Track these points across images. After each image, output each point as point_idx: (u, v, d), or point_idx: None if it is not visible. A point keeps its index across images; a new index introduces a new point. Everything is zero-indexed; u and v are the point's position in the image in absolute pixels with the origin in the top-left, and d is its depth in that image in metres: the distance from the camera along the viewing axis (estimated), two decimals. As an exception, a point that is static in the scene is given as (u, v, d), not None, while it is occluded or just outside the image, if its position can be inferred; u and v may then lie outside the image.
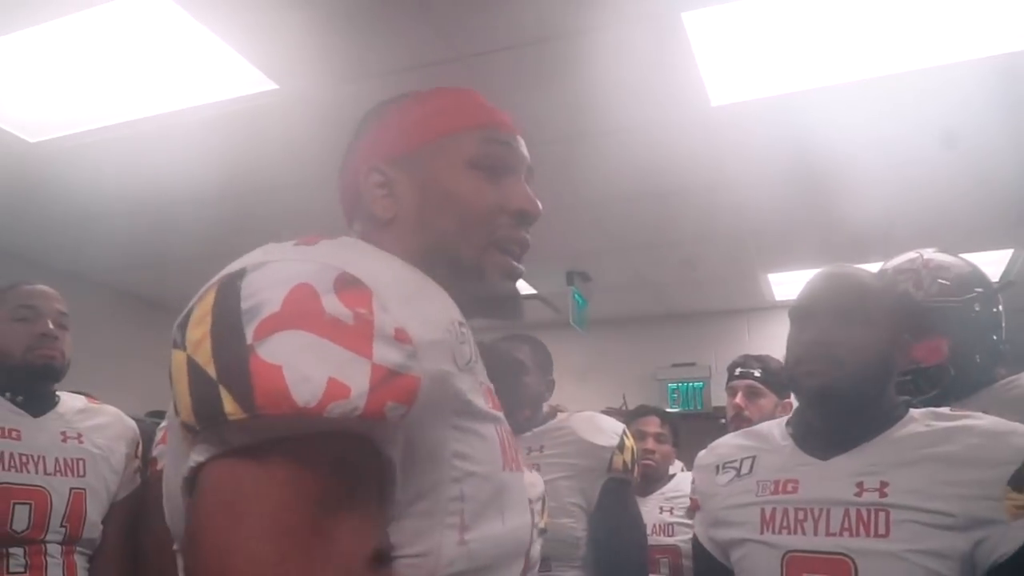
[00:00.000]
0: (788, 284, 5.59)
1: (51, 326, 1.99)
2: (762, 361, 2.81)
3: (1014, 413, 1.64)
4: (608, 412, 3.76)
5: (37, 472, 1.91)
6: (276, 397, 0.63)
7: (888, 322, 1.37)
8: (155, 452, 1.95)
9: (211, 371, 0.65)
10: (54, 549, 1.90)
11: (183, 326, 0.71)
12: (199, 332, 0.68)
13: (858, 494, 1.27)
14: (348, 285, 0.70)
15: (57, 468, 1.94)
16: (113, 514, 2.05)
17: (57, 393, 2.07)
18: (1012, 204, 4.17)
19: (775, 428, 1.50)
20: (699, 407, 6.31)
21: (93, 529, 1.99)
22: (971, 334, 1.77)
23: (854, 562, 1.23)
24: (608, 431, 2.24)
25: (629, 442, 2.24)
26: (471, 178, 0.93)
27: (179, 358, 0.69)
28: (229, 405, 0.64)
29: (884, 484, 1.26)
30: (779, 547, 1.32)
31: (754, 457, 1.46)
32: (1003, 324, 1.82)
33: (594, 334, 5.77)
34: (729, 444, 1.55)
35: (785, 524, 1.33)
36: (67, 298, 2.10)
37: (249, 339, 0.65)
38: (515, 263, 0.94)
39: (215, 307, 0.69)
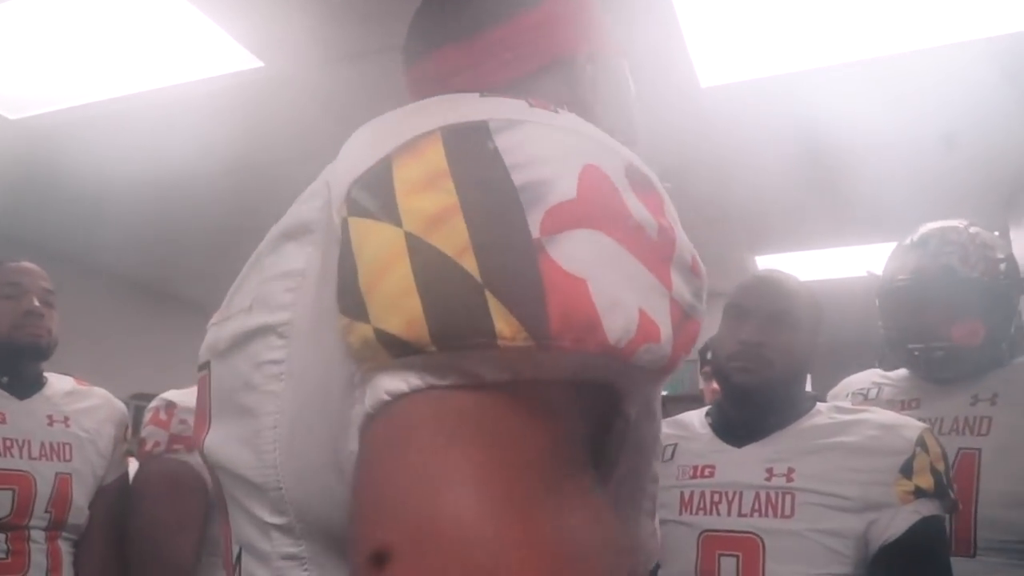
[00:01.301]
0: (776, 266, 5.60)
1: (36, 303, 1.95)
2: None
3: None
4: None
5: (22, 457, 1.88)
6: (582, 325, 0.43)
7: (811, 327, 1.50)
8: (144, 433, 1.94)
9: (470, 266, 0.42)
10: (38, 535, 1.87)
11: (380, 185, 0.46)
12: (435, 202, 0.44)
13: (768, 479, 1.39)
14: (642, 182, 0.50)
15: (43, 452, 1.91)
16: (100, 499, 2.02)
17: (44, 374, 2.04)
18: (1000, 186, 4.18)
19: (695, 418, 1.62)
20: (686, 388, 6.32)
21: (79, 514, 1.96)
22: (1003, 316, 1.74)
23: (762, 540, 1.35)
24: None
25: None
26: (632, 107, 0.86)
27: (384, 235, 0.44)
28: (504, 324, 0.42)
29: (791, 470, 1.38)
30: (695, 527, 1.43)
31: (676, 444, 1.57)
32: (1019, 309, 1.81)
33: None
34: None
35: (702, 506, 1.44)
36: (52, 278, 2.07)
37: (535, 231, 0.43)
38: None
39: (458, 169, 0.45)
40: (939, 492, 1.33)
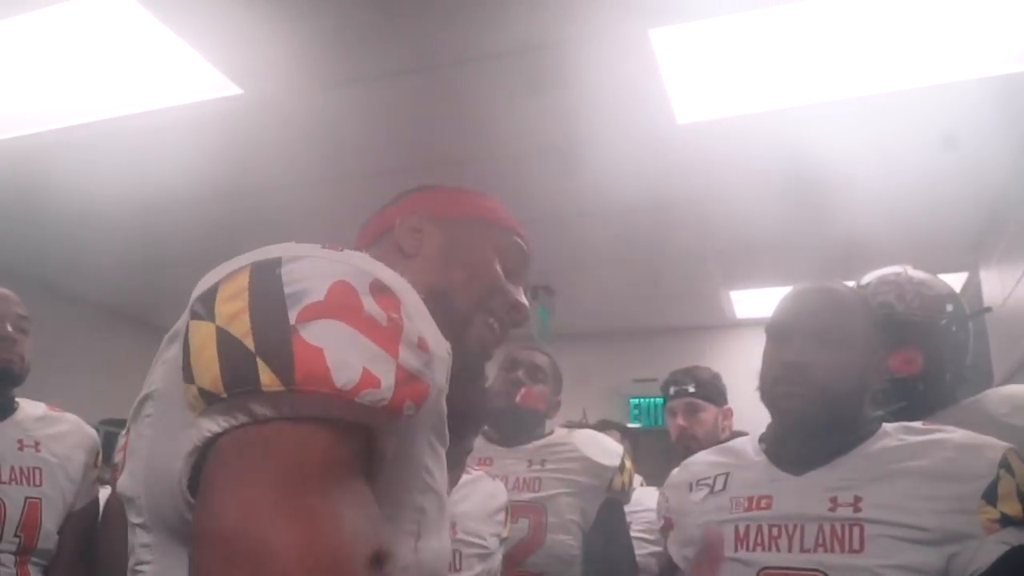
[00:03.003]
0: (749, 302, 5.65)
1: (10, 329, 1.94)
2: (693, 375, 2.82)
3: (980, 431, 1.68)
4: (568, 426, 3.78)
5: None
6: (316, 375, 0.66)
7: (865, 340, 1.38)
8: (116, 459, 1.92)
9: (248, 343, 0.68)
10: (7, 559, 1.85)
11: (208, 299, 0.73)
12: (234, 307, 0.71)
13: (832, 509, 1.27)
14: (381, 290, 0.75)
15: (12, 477, 1.90)
16: (70, 523, 2.00)
17: (16, 400, 2.03)
18: (969, 227, 4.26)
19: (748, 444, 1.50)
20: (660, 423, 6.33)
21: (48, 539, 1.94)
22: (945, 352, 1.79)
23: None
24: (611, 451, 2.26)
25: (628, 464, 2.27)
26: (490, 259, 1.08)
27: (205, 329, 0.71)
28: (266, 376, 0.66)
29: (858, 499, 1.26)
30: (753, 564, 1.31)
31: (728, 474, 1.45)
32: (970, 349, 1.85)
33: (557, 348, 5.76)
34: (702, 461, 1.55)
35: (759, 541, 1.32)
36: (25, 301, 2.06)
37: (292, 320, 0.69)
38: (495, 337, 1.07)
39: (253, 287, 0.72)
40: None
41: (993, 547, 1.17)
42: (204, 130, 3.35)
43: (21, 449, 1.94)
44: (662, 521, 1.59)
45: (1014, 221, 3.73)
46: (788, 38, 2.68)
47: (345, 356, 0.68)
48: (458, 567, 1.61)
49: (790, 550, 1.28)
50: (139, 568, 0.79)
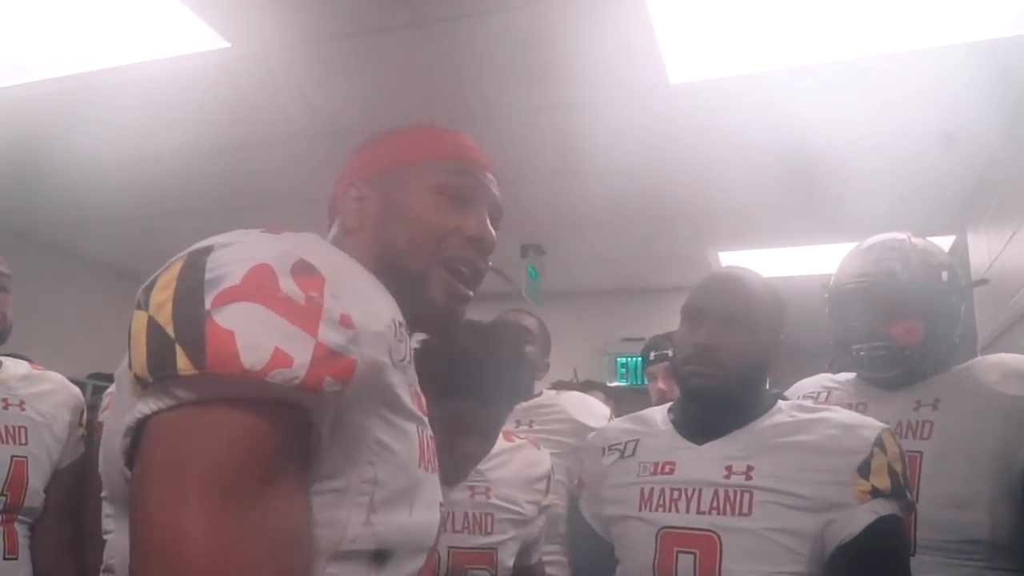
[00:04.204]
0: (738, 263, 5.65)
1: None
2: (673, 339, 2.82)
3: (971, 399, 1.70)
4: (558, 385, 3.80)
5: None
6: (225, 358, 0.70)
7: (770, 326, 1.48)
8: (101, 418, 1.91)
9: (169, 330, 0.72)
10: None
11: (148, 290, 0.78)
12: (163, 296, 0.75)
13: (727, 476, 1.39)
14: (304, 270, 0.77)
15: None
16: (55, 482, 2.01)
17: (-1, 358, 2.02)
18: (957, 191, 4.26)
19: (658, 414, 1.62)
20: (645, 381, 6.38)
21: (35, 497, 1.95)
22: (944, 321, 1.81)
23: (720, 538, 1.34)
24: (598, 413, 2.29)
25: None
26: (433, 201, 1.04)
27: (141, 318, 0.76)
28: (182, 361, 0.70)
29: (750, 468, 1.38)
30: (654, 523, 1.42)
31: (637, 440, 1.57)
32: (961, 317, 1.87)
33: (546, 307, 5.79)
34: (616, 428, 1.67)
35: (661, 502, 1.43)
36: (10, 257, 2.04)
37: (208, 305, 0.72)
38: (460, 284, 1.04)
39: (180, 275, 0.76)
40: (896, 492, 1.32)
41: (863, 515, 1.29)
42: (192, 84, 3.30)
43: (6, 408, 1.94)
44: (576, 481, 1.70)
45: (1002, 185, 3.72)
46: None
47: (256, 337, 0.71)
48: (489, 530, 1.64)
49: (688, 512, 1.40)
50: (106, 537, 0.89)
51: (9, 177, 4.40)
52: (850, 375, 1.94)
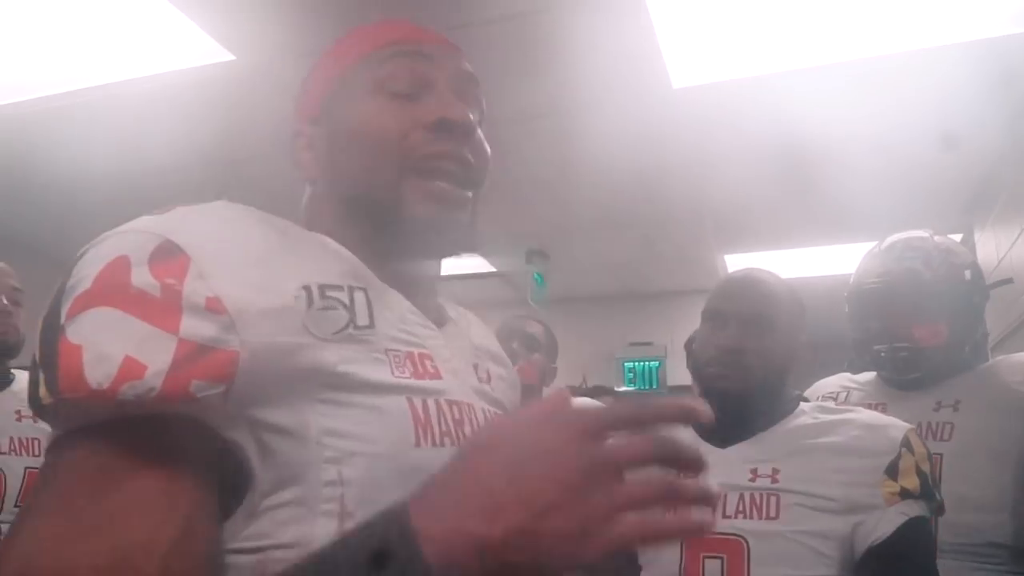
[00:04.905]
0: (744, 265, 5.64)
1: (5, 301, 1.95)
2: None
3: (993, 399, 1.67)
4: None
5: None
6: (73, 379, 0.59)
7: (793, 328, 1.48)
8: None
9: (37, 355, 0.63)
10: (9, 529, 1.87)
11: None
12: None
13: (752, 479, 1.38)
14: (165, 254, 0.64)
15: (12, 447, 1.91)
16: (69, 493, 2.01)
17: (12, 371, 2.03)
18: (964, 189, 4.25)
19: None
20: (655, 386, 6.38)
21: (48, 509, 1.95)
22: (966, 321, 1.79)
23: (747, 542, 1.33)
24: None
25: None
26: (373, 106, 0.83)
27: None
28: (42, 389, 0.61)
29: (776, 471, 1.37)
30: None
31: None
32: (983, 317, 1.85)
33: (552, 313, 5.80)
34: None
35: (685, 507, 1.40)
36: (19, 270, 2.05)
37: (62, 319, 0.62)
38: (442, 183, 0.81)
39: (56, 289, 0.66)
40: (925, 493, 1.31)
41: (893, 517, 1.29)
42: (196, 97, 3.31)
43: (19, 420, 1.95)
44: None
45: (1008, 183, 3.72)
46: (785, 2, 2.65)
47: (104, 348, 0.59)
48: None
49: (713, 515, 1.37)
50: None
51: (20, 191, 4.42)
52: (870, 375, 1.92)
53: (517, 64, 3.06)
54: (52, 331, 0.62)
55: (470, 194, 0.84)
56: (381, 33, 0.88)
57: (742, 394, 1.42)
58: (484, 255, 5.58)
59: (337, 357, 0.69)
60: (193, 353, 0.60)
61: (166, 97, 3.30)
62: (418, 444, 0.72)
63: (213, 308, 0.62)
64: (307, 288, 0.69)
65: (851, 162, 3.86)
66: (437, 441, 0.74)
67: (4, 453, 1.89)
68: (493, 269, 5.77)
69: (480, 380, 0.90)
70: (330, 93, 0.87)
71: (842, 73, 3.05)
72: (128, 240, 0.65)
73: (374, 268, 0.80)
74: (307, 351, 0.66)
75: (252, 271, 0.66)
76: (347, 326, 0.71)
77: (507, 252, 5.33)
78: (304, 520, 0.65)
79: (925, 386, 1.76)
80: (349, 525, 0.64)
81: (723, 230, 5.11)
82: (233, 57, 3.03)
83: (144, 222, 0.67)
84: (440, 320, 0.89)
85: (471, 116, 0.83)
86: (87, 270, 0.63)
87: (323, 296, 0.70)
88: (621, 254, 5.68)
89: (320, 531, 0.65)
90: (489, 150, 0.88)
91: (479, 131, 0.87)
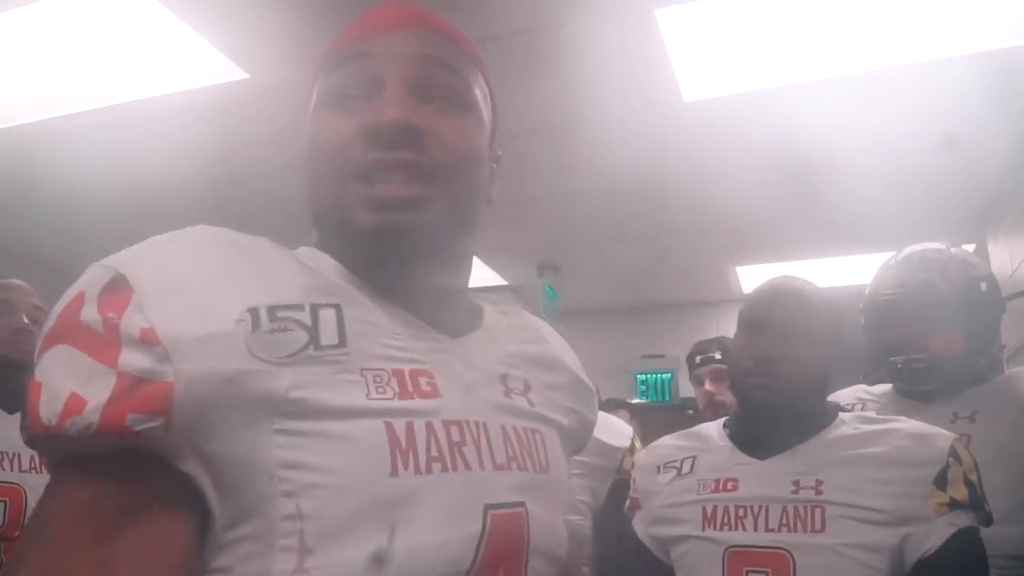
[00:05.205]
0: (756, 277, 5.65)
1: (25, 320, 1.96)
2: (719, 343, 2.81)
3: (1010, 411, 1.66)
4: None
5: (12, 469, 1.89)
6: (32, 417, 0.60)
7: (829, 336, 1.44)
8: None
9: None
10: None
11: None
12: None
13: (795, 492, 1.34)
14: (112, 288, 0.63)
15: (32, 465, 1.92)
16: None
17: (32, 389, 2.05)
18: (975, 200, 4.25)
19: (712, 429, 1.56)
20: (667, 398, 6.37)
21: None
22: (983, 333, 1.78)
23: (792, 555, 1.29)
24: (621, 433, 2.28)
25: (638, 445, 2.28)
26: (321, 118, 0.80)
27: None
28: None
29: (819, 483, 1.33)
30: (720, 542, 1.37)
31: (694, 457, 1.51)
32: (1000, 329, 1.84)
33: (564, 326, 5.79)
34: (669, 445, 1.60)
35: (726, 520, 1.38)
36: (35, 287, 2.08)
37: (36, 357, 0.64)
38: (384, 186, 0.74)
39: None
40: (974, 503, 1.29)
41: (943, 528, 1.25)
42: (210, 115, 3.35)
43: (37, 437, 1.96)
44: (629, 501, 1.65)
45: (1020, 193, 3.72)
46: (793, 16, 2.67)
47: (56, 385, 0.60)
48: None
49: (755, 529, 1.35)
50: None
51: (36, 208, 4.46)
52: (885, 387, 1.91)
53: (529, 78, 3.08)
54: (31, 369, 0.64)
55: (429, 189, 0.75)
56: (337, 38, 0.85)
57: (782, 404, 1.39)
58: (495, 268, 5.60)
59: (290, 382, 0.64)
60: (130, 387, 0.59)
61: (181, 115, 3.33)
62: (395, 472, 0.66)
63: (147, 339, 0.60)
64: (253, 310, 0.64)
65: (862, 173, 3.86)
66: (423, 468, 0.68)
67: (25, 471, 1.90)
68: (505, 282, 5.78)
69: (508, 392, 0.83)
70: (308, 110, 0.84)
71: (851, 85, 3.06)
72: (89, 275, 0.65)
73: (365, 281, 0.76)
74: (253, 377, 0.63)
75: (191, 298, 0.63)
76: (306, 347, 0.66)
77: (519, 265, 5.34)
78: (263, 555, 0.62)
79: (941, 398, 1.75)
80: (309, 561, 0.62)
81: (734, 242, 5.11)
82: (247, 76, 3.06)
83: (113, 256, 0.67)
84: (461, 330, 0.83)
85: (410, 114, 0.75)
86: (57, 307, 0.65)
87: (273, 318, 0.65)
88: (633, 266, 5.69)
89: (278, 567, 0.62)
90: (460, 132, 0.80)
91: (438, 119, 0.78)
